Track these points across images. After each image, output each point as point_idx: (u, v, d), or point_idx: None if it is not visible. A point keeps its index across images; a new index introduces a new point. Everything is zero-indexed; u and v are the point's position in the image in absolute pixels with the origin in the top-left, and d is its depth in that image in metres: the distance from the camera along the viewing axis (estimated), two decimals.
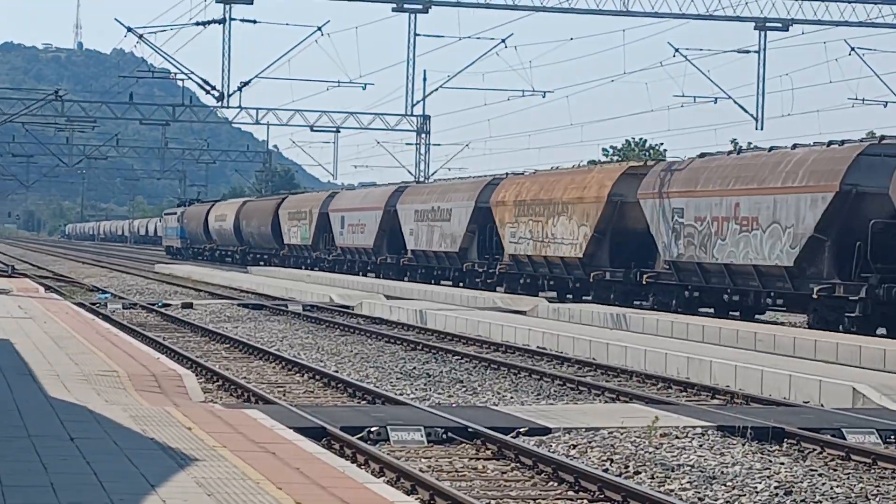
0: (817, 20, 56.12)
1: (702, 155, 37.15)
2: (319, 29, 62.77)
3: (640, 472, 13.15)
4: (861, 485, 12.86)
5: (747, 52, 60.65)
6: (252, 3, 55.77)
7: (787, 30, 56.96)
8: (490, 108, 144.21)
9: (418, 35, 66.50)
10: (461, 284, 50.12)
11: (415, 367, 23.60)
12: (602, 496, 11.89)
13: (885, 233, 28.77)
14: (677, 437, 14.93)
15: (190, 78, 65.47)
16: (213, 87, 64.39)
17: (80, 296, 43.40)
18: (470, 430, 14.75)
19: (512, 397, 19.70)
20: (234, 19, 62.71)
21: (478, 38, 64.97)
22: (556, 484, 12.58)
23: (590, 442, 14.65)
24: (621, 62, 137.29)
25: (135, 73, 78.64)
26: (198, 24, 59.72)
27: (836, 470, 13.64)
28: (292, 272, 62.82)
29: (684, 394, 20.46)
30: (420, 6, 57.20)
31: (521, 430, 15.03)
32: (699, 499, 12.10)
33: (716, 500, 12.08)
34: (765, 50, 59.60)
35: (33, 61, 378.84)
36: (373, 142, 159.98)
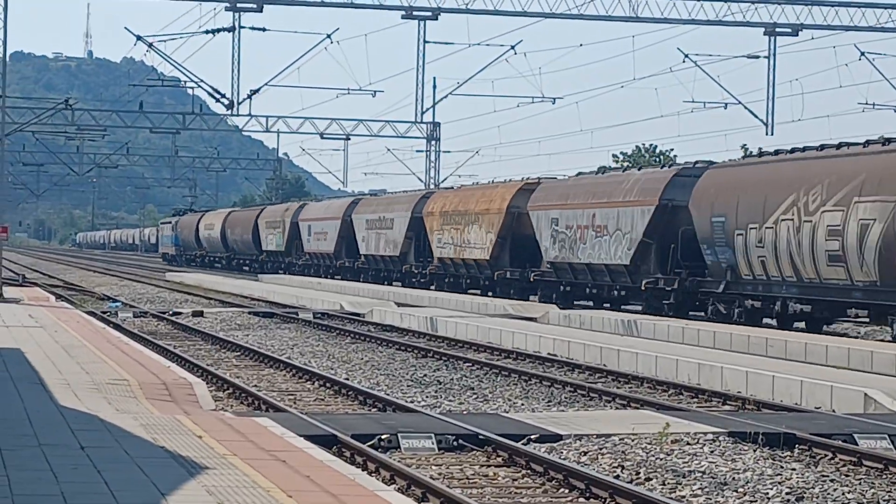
0: (827, 25, 56.14)
1: (578, 174, 45.40)
2: (329, 36, 62.97)
3: (651, 479, 13.12)
4: (873, 490, 12.83)
5: (757, 57, 60.70)
6: (261, 11, 55.95)
7: (797, 35, 57.00)
8: (500, 114, 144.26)
9: (428, 42, 66.82)
10: (401, 284, 56.53)
11: (425, 375, 23.57)
12: (613, 503, 11.87)
13: (688, 237, 35.40)
14: (688, 444, 14.90)
15: (200, 86, 65.72)
16: (223, 96, 64.49)
17: (90, 304, 43.46)
18: (481, 437, 14.73)
19: (523, 404, 19.67)
20: (244, 27, 62.96)
21: (487, 44, 65.17)
22: (567, 491, 12.56)
23: (601, 448, 14.62)
24: (631, 68, 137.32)
25: (145, 81, 78.87)
26: (207, 32, 59.91)
27: (847, 476, 13.61)
28: (304, 280, 62.99)
29: (695, 400, 20.43)
30: (429, 13, 57.30)
31: (532, 436, 15.01)
32: None
33: None
34: (775, 55, 59.65)
35: (43, 70, 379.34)
36: (383, 149, 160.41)
